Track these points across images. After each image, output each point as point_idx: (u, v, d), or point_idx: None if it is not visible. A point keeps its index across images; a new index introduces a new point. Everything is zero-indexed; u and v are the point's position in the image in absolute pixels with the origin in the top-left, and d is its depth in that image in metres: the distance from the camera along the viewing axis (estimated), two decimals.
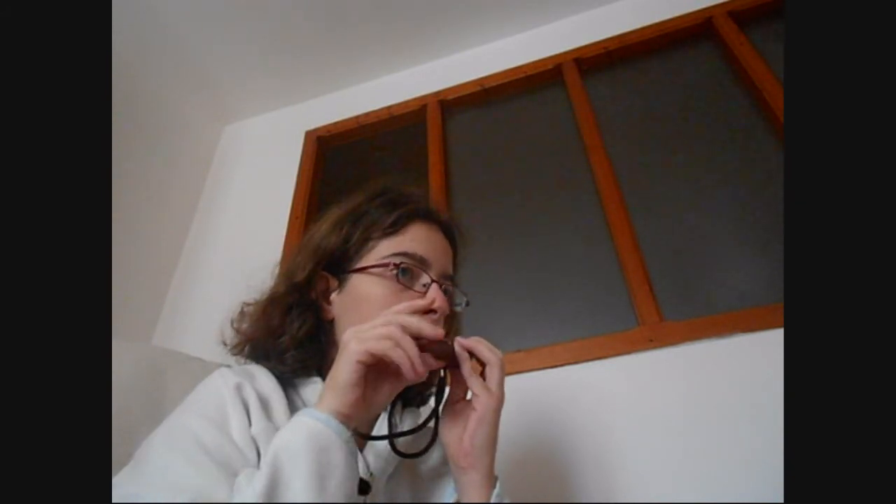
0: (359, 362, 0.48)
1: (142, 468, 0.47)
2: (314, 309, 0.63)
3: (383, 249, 0.62)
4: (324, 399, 0.48)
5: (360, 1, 1.79)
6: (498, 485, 0.56)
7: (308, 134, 2.03)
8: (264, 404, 0.55)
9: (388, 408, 0.62)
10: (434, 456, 0.66)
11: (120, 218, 1.54)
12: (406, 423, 0.63)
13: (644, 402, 1.08)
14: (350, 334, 0.50)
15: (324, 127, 2.03)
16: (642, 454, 1.02)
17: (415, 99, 1.95)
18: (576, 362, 1.18)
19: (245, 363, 0.64)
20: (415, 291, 0.60)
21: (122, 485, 0.45)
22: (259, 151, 2.09)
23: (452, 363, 0.55)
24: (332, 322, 0.63)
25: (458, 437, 0.56)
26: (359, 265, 0.62)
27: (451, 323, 0.67)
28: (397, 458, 0.59)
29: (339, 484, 0.44)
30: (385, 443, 0.58)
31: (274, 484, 0.42)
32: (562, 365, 1.18)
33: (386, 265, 0.60)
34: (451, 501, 0.58)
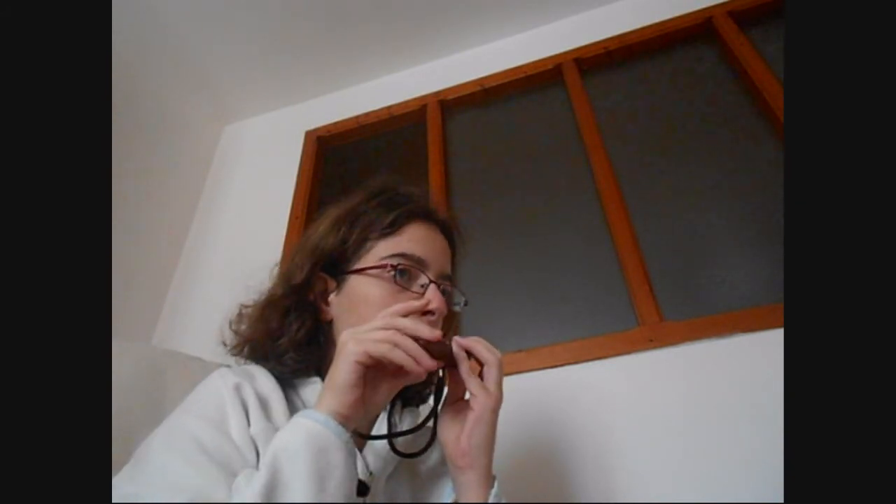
0: (357, 363, 0.48)
1: (141, 468, 0.47)
2: (312, 310, 0.63)
3: (381, 250, 0.62)
4: (322, 400, 0.48)
5: (360, 1, 1.79)
6: (496, 484, 0.56)
7: (308, 134, 2.03)
8: (263, 405, 0.55)
9: (388, 407, 0.62)
10: (433, 456, 0.66)
11: (120, 218, 1.54)
12: (405, 423, 0.63)
13: (644, 402, 1.08)
14: (347, 335, 0.50)
15: (324, 127, 2.03)
16: (642, 454, 1.02)
17: (415, 99, 1.95)
18: (576, 362, 1.18)
19: (245, 363, 0.64)
20: (413, 292, 0.60)
21: (122, 485, 0.45)
22: (259, 151, 2.09)
23: (450, 363, 0.55)
24: (330, 323, 0.63)
25: (456, 436, 0.56)
26: (356, 266, 0.62)
27: (450, 323, 0.67)
28: (397, 457, 0.59)
29: (339, 485, 0.44)
30: (384, 442, 0.58)
31: (273, 484, 0.42)
32: (562, 365, 1.18)
33: (383, 266, 0.60)
34: (449, 501, 0.58)
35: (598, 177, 1.49)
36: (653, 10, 1.78)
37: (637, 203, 1.42)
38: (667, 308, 1.22)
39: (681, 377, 1.09)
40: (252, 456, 0.50)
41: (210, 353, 0.72)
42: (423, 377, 0.55)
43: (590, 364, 1.17)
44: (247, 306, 0.67)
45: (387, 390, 0.53)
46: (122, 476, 0.47)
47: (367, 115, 1.99)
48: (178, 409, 0.54)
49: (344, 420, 0.47)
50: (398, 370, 0.52)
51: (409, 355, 0.49)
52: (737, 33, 1.62)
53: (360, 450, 0.56)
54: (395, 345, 0.49)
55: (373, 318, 0.52)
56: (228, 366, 0.63)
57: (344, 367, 0.48)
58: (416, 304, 0.57)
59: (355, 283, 0.61)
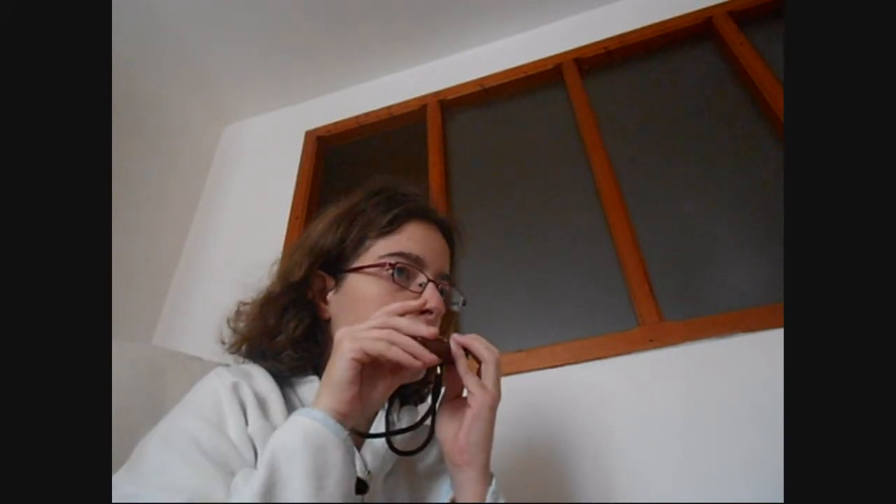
0: (354, 360, 0.48)
1: (139, 468, 0.47)
2: (311, 308, 0.63)
3: (379, 249, 0.62)
4: (320, 398, 0.48)
5: (360, 1, 1.79)
6: (493, 482, 0.56)
7: (308, 134, 2.03)
8: (261, 404, 0.54)
9: (385, 406, 0.62)
10: (431, 454, 0.66)
11: (120, 218, 1.54)
12: (404, 421, 0.63)
13: (644, 402, 1.08)
14: (343, 333, 0.50)
15: (324, 127, 2.03)
16: (642, 454, 1.02)
17: (415, 99, 1.95)
18: (576, 362, 1.18)
19: (243, 362, 0.64)
20: (411, 291, 0.60)
21: (120, 485, 0.45)
22: (259, 151, 2.09)
23: (448, 361, 0.55)
24: (328, 321, 0.63)
25: (454, 434, 0.56)
26: (355, 265, 0.62)
27: (449, 322, 0.67)
28: (395, 456, 0.59)
29: (337, 483, 0.44)
30: (382, 441, 0.58)
31: (271, 483, 0.42)
32: (562, 365, 1.18)
33: (382, 265, 0.60)
34: (447, 499, 0.58)
35: (598, 177, 1.49)
36: (653, 10, 1.78)
37: (637, 203, 1.42)
38: (667, 308, 1.22)
39: (681, 377, 1.09)
40: (250, 455, 0.50)
41: (210, 352, 0.72)
42: (421, 375, 0.55)
43: (590, 364, 1.17)
44: (245, 304, 0.67)
45: (384, 388, 0.53)
46: (120, 476, 0.47)
47: (367, 115, 1.99)
48: (176, 408, 0.54)
49: (342, 418, 0.47)
50: (395, 368, 0.52)
51: (407, 352, 0.49)
52: (737, 33, 1.62)
53: (359, 448, 0.55)
54: (392, 343, 0.49)
55: (371, 317, 0.52)
56: (227, 365, 0.63)
57: (341, 364, 0.48)
58: (413, 303, 0.57)
59: (354, 282, 0.61)
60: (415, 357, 0.49)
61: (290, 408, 0.57)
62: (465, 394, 0.58)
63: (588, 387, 1.14)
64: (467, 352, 0.56)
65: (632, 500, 0.98)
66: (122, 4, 1.58)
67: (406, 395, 0.68)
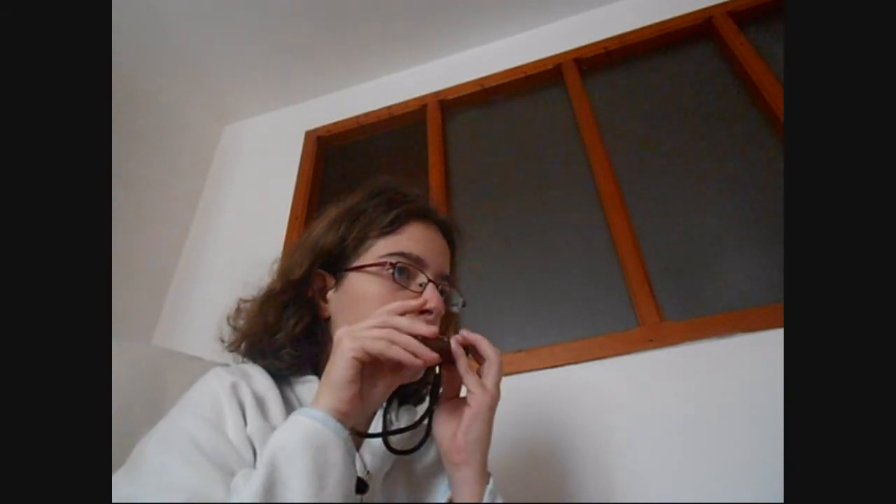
0: (354, 359, 0.48)
1: (138, 469, 0.47)
2: (310, 307, 0.63)
3: (380, 248, 0.62)
4: (320, 397, 0.48)
5: (360, 1, 1.79)
6: (491, 481, 0.56)
7: (308, 134, 2.03)
8: (260, 404, 0.54)
9: (384, 405, 0.62)
10: (430, 454, 0.66)
11: (120, 218, 1.54)
12: (402, 421, 0.63)
13: (644, 402, 1.08)
14: (343, 332, 0.50)
15: (324, 127, 2.03)
16: (642, 454, 1.02)
17: (415, 99, 1.95)
18: (576, 362, 1.18)
19: (242, 361, 0.64)
20: (411, 291, 0.60)
21: (119, 486, 0.45)
22: (259, 151, 2.09)
23: (448, 360, 0.55)
24: (328, 320, 0.63)
25: (453, 433, 0.56)
26: (356, 264, 0.62)
27: (448, 324, 0.67)
28: (393, 455, 0.59)
29: (337, 483, 0.44)
30: (381, 441, 0.58)
31: (271, 483, 0.42)
32: (562, 365, 1.18)
33: (382, 264, 0.60)
34: (445, 498, 0.58)
35: (598, 177, 1.49)
36: (653, 10, 1.78)
37: (637, 203, 1.42)
38: (667, 308, 1.22)
39: (681, 377, 1.09)
40: (249, 455, 0.50)
41: (210, 353, 0.72)
42: (420, 374, 0.55)
43: (590, 364, 1.17)
44: (245, 301, 0.67)
45: (384, 387, 0.53)
46: (119, 476, 0.47)
47: (367, 115, 1.99)
48: (174, 408, 0.54)
49: (342, 417, 0.47)
50: (395, 367, 0.52)
51: (408, 351, 0.49)
52: (737, 33, 1.62)
53: (358, 448, 0.55)
54: (393, 342, 0.49)
55: (370, 316, 0.52)
56: (227, 364, 0.63)
57: (341, 363, 0.48)
58: (412, 302, 0.57)
59: (354, 281, 0.61)
60: (415, 355, 0.49)
61: (288, 408, 0.57)
62: (463, 394, 0.58)
63: (588, 387, 1.14)
64: (468, 350, 0.56)
65: (632, 500, 0.98)
66: (122, 4, 1.58)
67: (405, 396, 0.68)
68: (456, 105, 1.92)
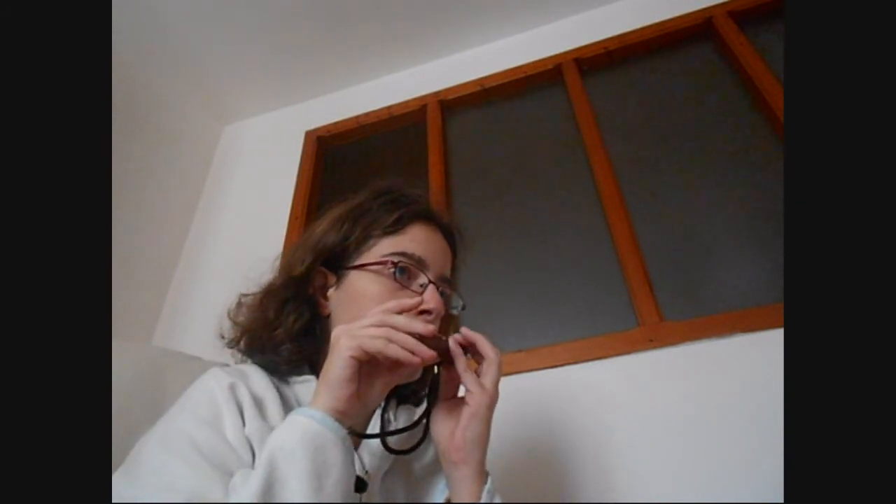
0: (352, 357, 0.48)
1: (137, 470, 0.47)
2: (311, 303, 0.64)
3: (383, 248, 0.62)
4: (318, 396, 0.48)
5: (360, 1, 1.79)
6: (489, 481, 0.56)
7: (308, 134, 2.03)
8: (258, 404, 0.54)
9: (382, 404, 0.62)
10: (428, 454, 0.66)
11: (120, 218, 1.54)
12: (400, 421, 0.63)
13: (644, 402, 1.08)
14: (340, 331, 0.50)
15: (324, 127, 2.03)
16: (642, 454, 1.02)
17: (415, 99, 1.95)
18: (576, 362, 1.18)
19: (242, 360, 0.64)
20: (412, 291, 0.60)
21: (118, 486, 0.45)
22: (259, 151, 2.09)
23: (446, 359, 0.55)
24: (328, 318, 0.63)
25: (451, 432, 0.56)
26: (357, 262, 0.62)
27: (447, 326, 0.67)
28: (392, 455, 0.59)
29: (336, 482, 0.44)
30: (379, 440, 0.58)
31: (270, 483, 0.42)
32: (562, 365, 1.18)
33: (384, 263, 0.60)
34: (443, 498, 0.58)
35: (598, 177, 1.49)
36: (653, 10, 1.78)
37: (637, 203, 1.42)
38: (667, 308, 1.22)
39: (681, 377, 1.09)
40: (248, 456, 0.50)
41: (210, 353, 0.72)
42: (418, 374, 0.55)
43: (590, 364, 1.17)
44: (246, 295, 0.67)
45: (382, 386, 0.53)
46: (118, 477, 0.46)
47: (367, 115, 1.99)
48: (173, 409, 0.54)
49: (340, 416, 0.47)
50: (393, 366, 0.52)
51: (405, 349, 0.49)
52: (737, 33, 1.62)
53: (356, 448, 0.55)
54: (390, 340, 0.49)
55: (368, 314, 0.52)
56: (226, 365, 0.63)
57: (338, 362, 0.48)
58: (410, 301, 0.57)
59: (355, 279, 0.61)
60: (413, 354, 0.49)
61: (286, 407, 0.56)
62: (461, 393, 0.58)
63: (588, 387, 1.14)
64: (467, 350, 0.56)
65: (632, 500, 0.98)
66: (122, 4, 1.58)
67: (404, 396, 0.68)
68: (456, 105, 1.92)
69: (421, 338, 0.51)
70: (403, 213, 0.64)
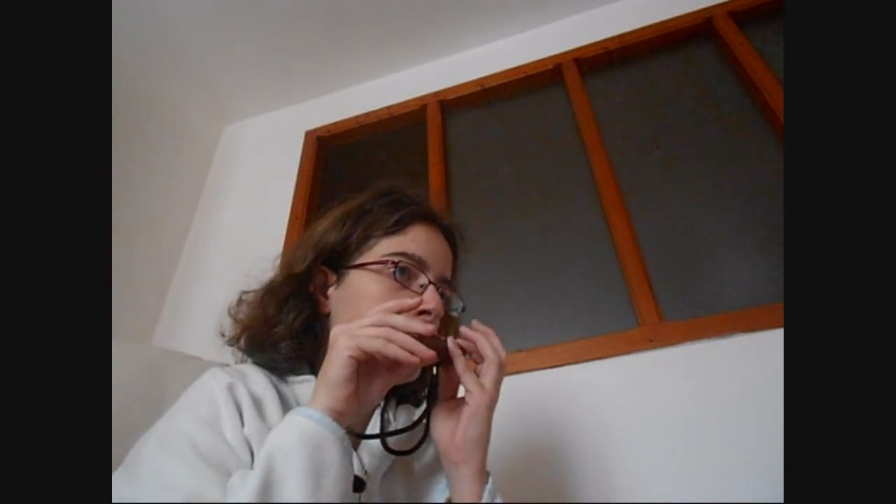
0: (350, 357, 0.48)
1: (136, 470, 0.47)
2: (311, 302, 0.64)
3: (383, 248, 0.62)
4: (317, 396, 0.48)
5: (360, 1, 1.79)
6: (490, 480, 0.56)
7: (308, 134, 2.03)
8: (257, 404, 0.54)
9: (381, 404, 0.62)
10: (429, 453, 0.66)
11: (120, 218, 1.54)
12: (400, 421, 0.63)
13: (644, 402, 1.08)
14: (339, 330, 0.50)
15: (324, 127, 2.03)
16: (642, 454, 1.02)
17: (415, 99, 1.95)
18: (576, 362, 1.18)
19: (242, 360, 0.64)
20: (412, 291, 0.60)
21: (117, 486, 0.45)
22: (259, 151, 2.09)
23: (446, 359, 0.55)
24: (328, 316, 0.64)
25: (451, 432, 0.56)
26: (358, 262, 0.62)
27: (447, 328, 0.67)
28: (391, 456, 0.59)
29: (335, 482, 0.44)
30: (378, 441, 0.58)
31: (268, 483, 0.42)
32: (562, 365, 1.18)
33: (384, 263, 0.60)
34: (443, 498, 0.58)
35: (598, 177, 1.49)
36: (653, 10, 1.78)
37: (637, 203, 1.42)
38: (667, 308, 1.22)
39: (681, 377, 1.09)
40: (246, 456, 0.50)
41: (210, 352, 0.72)
42: (417, 374, 0.55)
43: (590, 364, 1.17)
44: (247, 292, 0.68)
45: (381, 386, 0.53)
46: (118, 478, 0.47)
47: (367, 115, 1.99)
48: (172, 409, 0.54)
49: (338, 416, 0.47)
50: (392, 365, 0.52)
51: (404, 348, 0.49)
52: (737, 33, 1.62)
53: (355, 448, 0.55)
54: (389, 340, 0.49)
55: (367, 314, 0.52)
56: (227, 364, 0.64)
57: (337, 362, 0.48)
58: (409, 301, 0.57)
59: (355, 278, 0.61)
60: (412, 354, 0.49)
61: (285, 407, 0.56)
62: (461, 393, 0.58)
63: (588, 387, 1.14)
64: (465, 350, 0.56)
65: (632, 500, 0.98)
66: (122, 4, 1.58)
67: (404, 396, 0.68)
68: (456, 105, 1.92)
69: (420, 338, 0.51)
70: (404, 214, 0.64)
